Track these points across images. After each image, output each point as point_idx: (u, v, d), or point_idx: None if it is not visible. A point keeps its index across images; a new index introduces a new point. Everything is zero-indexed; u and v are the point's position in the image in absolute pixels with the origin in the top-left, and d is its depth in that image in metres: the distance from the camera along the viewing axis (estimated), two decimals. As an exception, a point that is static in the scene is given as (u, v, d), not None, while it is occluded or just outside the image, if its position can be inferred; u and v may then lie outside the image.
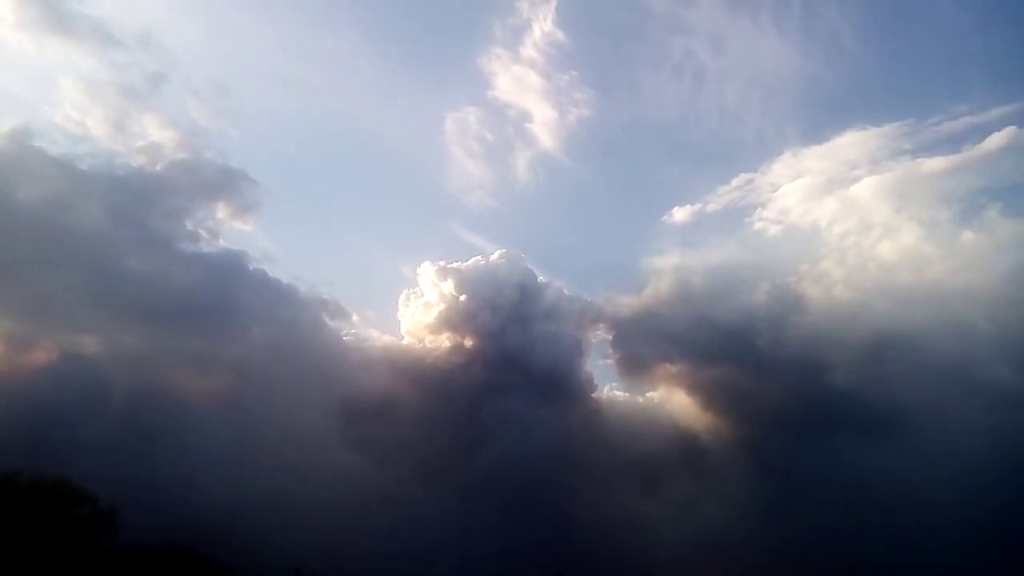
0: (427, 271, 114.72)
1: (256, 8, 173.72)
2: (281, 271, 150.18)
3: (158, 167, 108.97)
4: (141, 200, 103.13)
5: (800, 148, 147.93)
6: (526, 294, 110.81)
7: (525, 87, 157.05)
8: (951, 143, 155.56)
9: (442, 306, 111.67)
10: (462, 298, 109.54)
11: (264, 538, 73.74)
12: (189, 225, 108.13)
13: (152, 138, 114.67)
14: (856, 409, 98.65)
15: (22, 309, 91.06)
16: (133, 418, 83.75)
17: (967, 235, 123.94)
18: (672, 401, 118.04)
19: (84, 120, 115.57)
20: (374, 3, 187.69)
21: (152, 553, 50.24)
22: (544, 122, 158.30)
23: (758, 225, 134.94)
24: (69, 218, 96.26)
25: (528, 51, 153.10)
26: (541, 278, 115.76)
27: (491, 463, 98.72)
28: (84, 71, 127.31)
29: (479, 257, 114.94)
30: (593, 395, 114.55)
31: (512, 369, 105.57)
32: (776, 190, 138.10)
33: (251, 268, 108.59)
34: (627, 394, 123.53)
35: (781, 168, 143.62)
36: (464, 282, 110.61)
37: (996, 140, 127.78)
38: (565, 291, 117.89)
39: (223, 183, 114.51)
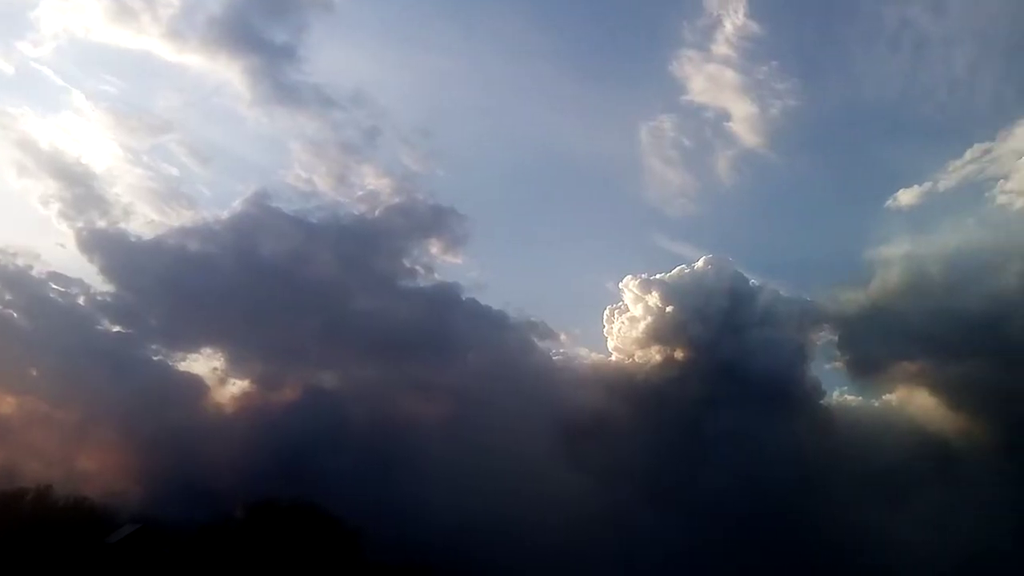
0: (630, 285, 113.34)
1: (453, 52, 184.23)
2: (491, 298, 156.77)
3: (376, 213, 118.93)
4: (364, 245, 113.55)
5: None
6: (738, 300, 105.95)
7: (721, 86, 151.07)
8: None
9: (649, 319, 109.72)
10: (669, 309, 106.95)
11: (494, 558, 75.87)
12: (407, 263, 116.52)
13: (370, 187, 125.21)
14: None
15: (270, 352, 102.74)
16: (370, 445, 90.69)
17: None
18: (914, 403, 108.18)
19: (312, 178, 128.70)
20: (561, 27, 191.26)
21: (393, 570, 53.46)
22: (744, 119, 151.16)
23: (1001, 199, 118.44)
24: (304, 268, 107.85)
25: (721, 48, 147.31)
26: (753, 281, 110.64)
27: (717, 480, 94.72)
28: (308, 133, 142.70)
29: (683, 266, 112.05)
30: (822, 402, 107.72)
31: (730, 380, 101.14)
32: (1020, 157, 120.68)
33: (464, 298, 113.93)
34: (860, 398, 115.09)
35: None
36: (670, 293, 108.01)
37: None
38: (782, 293, 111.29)
39: (434, 221, 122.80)
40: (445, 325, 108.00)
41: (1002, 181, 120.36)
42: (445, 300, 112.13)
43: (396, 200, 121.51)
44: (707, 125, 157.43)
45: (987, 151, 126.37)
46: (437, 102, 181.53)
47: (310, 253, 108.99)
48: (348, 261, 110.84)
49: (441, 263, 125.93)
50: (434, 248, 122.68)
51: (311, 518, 55.57)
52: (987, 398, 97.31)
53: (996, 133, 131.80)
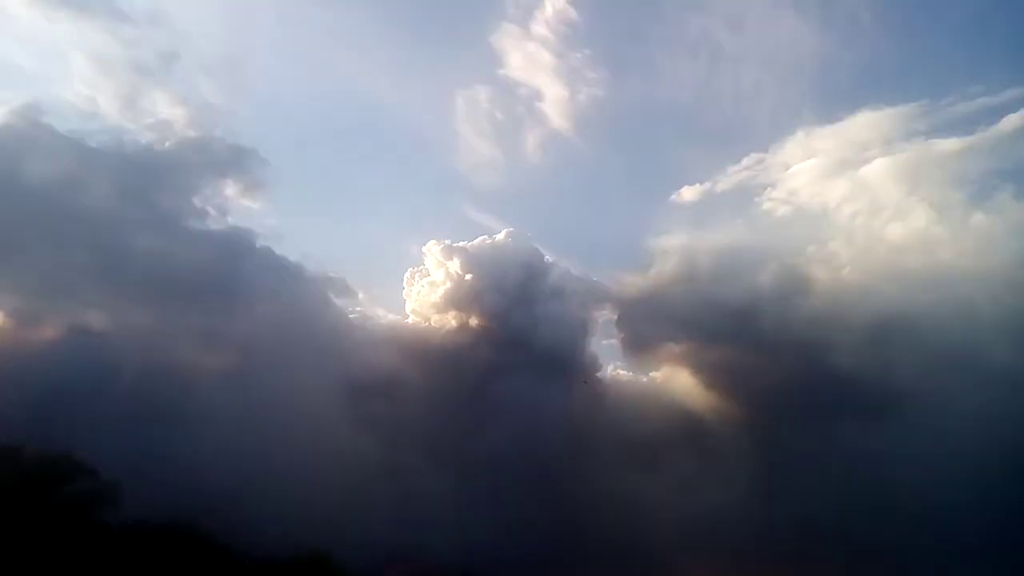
0: (433, 250, 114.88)
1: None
2: (289, 249, 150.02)
3: (167, 144, 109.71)
4: (150, 178, 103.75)
5: (813, 128, 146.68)
6: (532, 274, 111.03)
7: (536, 65, 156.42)
8: (965, 124, 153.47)
9: (448, 285, 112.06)
10: (468, 277, 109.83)
11: (269, 513, 74.77)
12: (197, 203, 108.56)
13: (162, 115, 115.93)
14: (858, 392, 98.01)
15: (30, 286, 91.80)
16: (140, 394, 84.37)
17: (978, 217, 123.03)
18: (676, 381, 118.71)
19: (94, 97, 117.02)
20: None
21: (152, 529, 51.15)
22: (555, 101, 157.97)
23: (767, 205, 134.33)
24: (78, 195, 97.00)
25: (540, 28, 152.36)
26: (548, 257, 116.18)
27: (496, 442, 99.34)
28: (95, 47, 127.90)
29: (485, 236, 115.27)
30: (598, 375, 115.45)
31: (517, 349, 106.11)
32: (787, 170, 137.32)
33: (258, 246, 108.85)
34: (631, 374, 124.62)
35: (793, 148, 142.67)
36: (470, 261, 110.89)
37: (1012, 121, 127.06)
38: (572, 271, 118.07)
39: (232, 161, 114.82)
40: (235, 272, 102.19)
41: (769, 189, 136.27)
42: (237, 246, 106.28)
43: (191, 133, 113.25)
44: (520, 102, 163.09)
45: (760, 160, 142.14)
46: (246, 37, 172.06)
47: (86, 180, 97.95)
48: (130, 193, 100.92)
49: (236, 207, 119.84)
50: (229, 190, 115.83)
51: (63, 468, 51.78)
52: (736, 380, 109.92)
53: (769, 145, 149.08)
